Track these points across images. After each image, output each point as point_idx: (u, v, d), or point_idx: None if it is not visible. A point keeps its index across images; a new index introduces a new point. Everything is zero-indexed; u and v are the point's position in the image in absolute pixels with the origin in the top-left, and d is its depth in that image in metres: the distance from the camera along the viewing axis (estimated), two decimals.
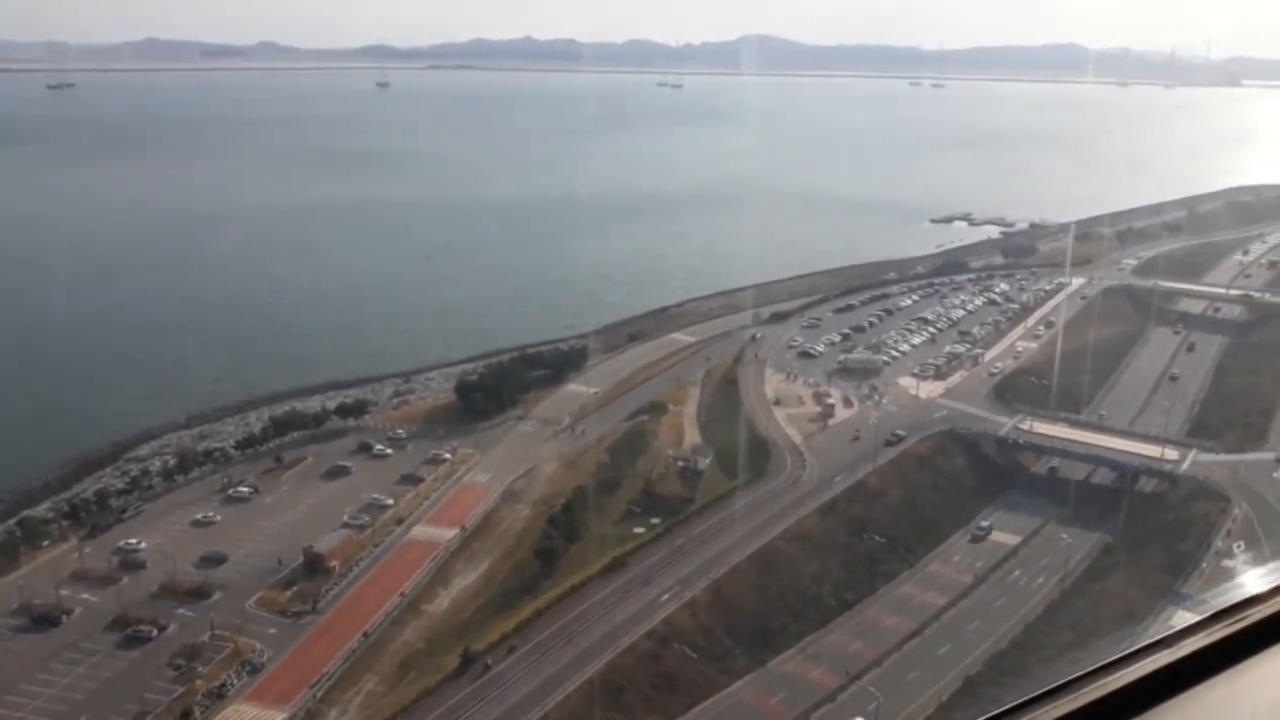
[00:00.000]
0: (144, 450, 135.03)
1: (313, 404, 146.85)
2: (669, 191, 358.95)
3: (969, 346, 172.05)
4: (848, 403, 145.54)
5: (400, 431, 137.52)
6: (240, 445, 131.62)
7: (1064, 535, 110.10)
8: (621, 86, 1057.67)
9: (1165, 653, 5.49)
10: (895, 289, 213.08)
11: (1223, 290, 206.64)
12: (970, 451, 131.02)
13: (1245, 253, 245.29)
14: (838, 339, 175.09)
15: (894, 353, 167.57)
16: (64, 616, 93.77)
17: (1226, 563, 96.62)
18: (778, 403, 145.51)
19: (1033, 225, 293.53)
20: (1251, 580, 6.22)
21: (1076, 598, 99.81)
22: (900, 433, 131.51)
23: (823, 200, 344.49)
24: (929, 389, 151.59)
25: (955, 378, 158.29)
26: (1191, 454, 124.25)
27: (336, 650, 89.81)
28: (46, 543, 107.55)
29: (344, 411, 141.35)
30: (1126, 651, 5.46)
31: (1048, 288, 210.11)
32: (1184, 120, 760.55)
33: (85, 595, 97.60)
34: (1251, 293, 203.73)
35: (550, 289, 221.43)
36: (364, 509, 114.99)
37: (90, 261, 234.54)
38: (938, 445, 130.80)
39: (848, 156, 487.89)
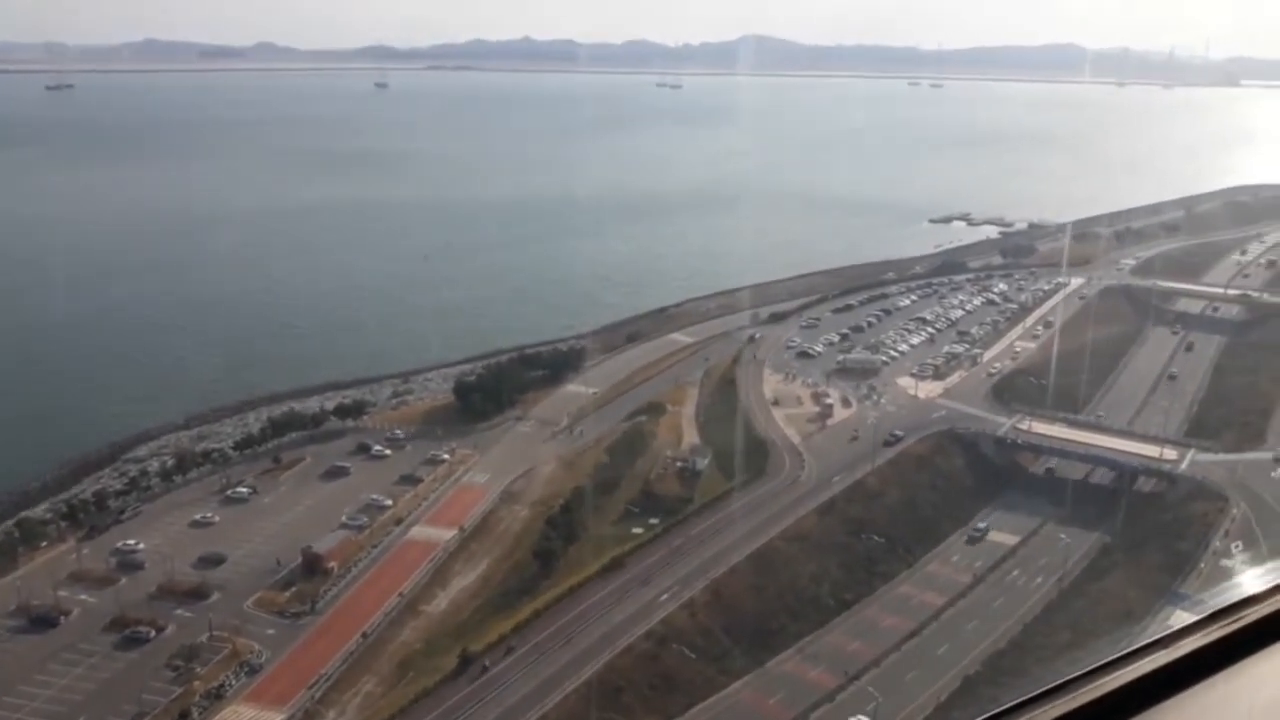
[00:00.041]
0: (142, 451, 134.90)
1: (311, 405, 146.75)
2: (667, 192, 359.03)
3: (968, 346, 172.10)
4: (846, 403, 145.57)
5: (398, 432, 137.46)
6: (238, 446, 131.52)
7: (1062, 535, 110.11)
8: (620, 87, 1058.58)
9: (1162, 653, 5.47)
10: (894, 289, 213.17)
11: (1221, 290, 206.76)
12: (969, 451, 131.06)
13: (1243, 253, 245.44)
14: (836, 339, 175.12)
15: (892, 353, 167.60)
16: (62, 617, 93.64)
17: (1225, 562, 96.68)
18: (776, 403, 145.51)
19: (1031, 225, 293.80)
20: (1249, 580, 6.20)
21: (1075, 598, 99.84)
22: (898, 433, 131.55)
23: (821, 200, 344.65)
24: (927, 389, 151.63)
25: (954, 378, 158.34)
26: (1190, 454, 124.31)
27: (335, 651, 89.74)
28: (44, 544, 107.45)
29: (342, 412, 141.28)
30: (1124, 652, 5.43)
31: (1046, 288, 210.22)
32: (1182, 120, 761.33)
33: (83, 596, 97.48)
34: (1250, 292, 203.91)
35: (548, 289, 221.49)
36: (362, 509, 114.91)
37: (89, 262, 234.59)
38: (936, 445, 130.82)
39: (846, 156, 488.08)
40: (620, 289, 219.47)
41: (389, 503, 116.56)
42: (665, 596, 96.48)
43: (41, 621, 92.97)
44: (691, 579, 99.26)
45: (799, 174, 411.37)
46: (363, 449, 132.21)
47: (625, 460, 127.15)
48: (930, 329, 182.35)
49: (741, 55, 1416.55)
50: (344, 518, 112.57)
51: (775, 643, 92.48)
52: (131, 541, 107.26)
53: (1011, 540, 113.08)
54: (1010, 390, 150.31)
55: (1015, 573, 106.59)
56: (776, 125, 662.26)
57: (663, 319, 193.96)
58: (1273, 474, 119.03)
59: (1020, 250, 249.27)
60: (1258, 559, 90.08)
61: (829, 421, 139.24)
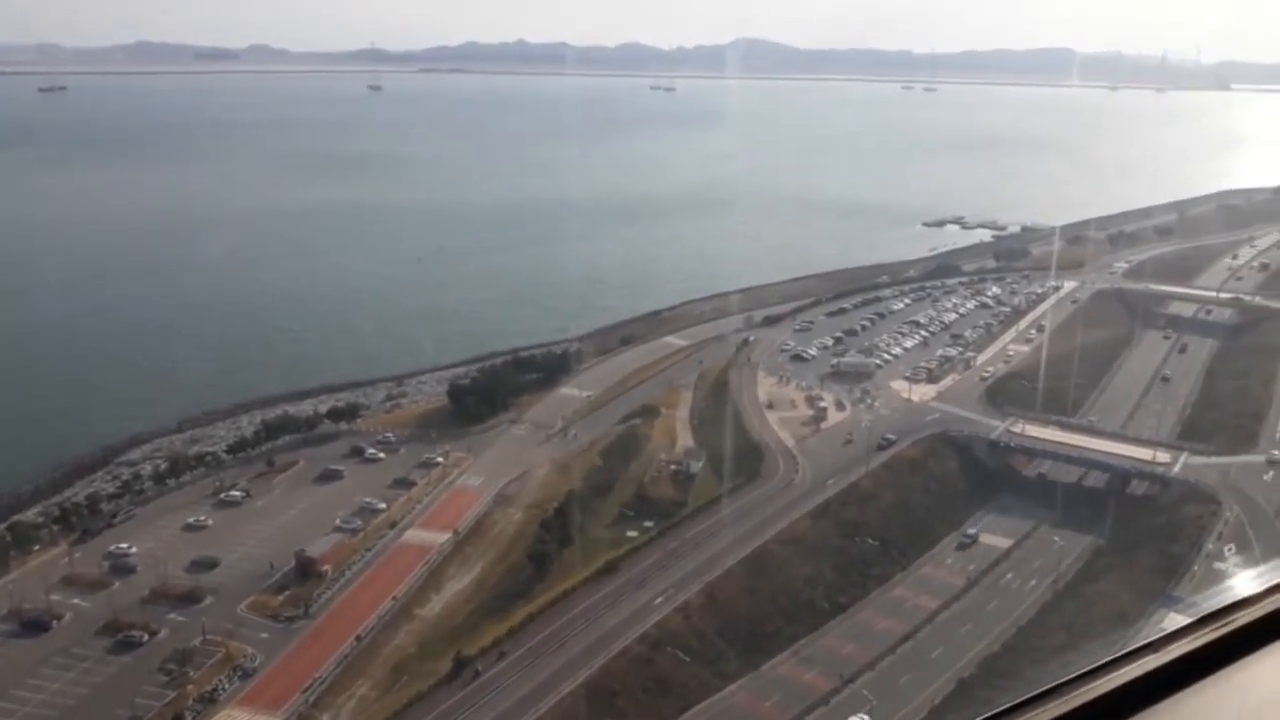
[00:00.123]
0: (135, 454, 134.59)
1: (305, 408, 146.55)
2: (661, 195, 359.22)
3: (961, 350, 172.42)
4: (840, 406, 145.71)
5: (390, 435, 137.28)
6: (232, 449, 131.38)
7: (1056, 538, 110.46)
8: (614, 90, 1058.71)
9: (1153, 656, 5.50)
10: (887, 292, 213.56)
11: (1213, 293, 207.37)
12: (962, 454, 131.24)
13: (1235, 257, 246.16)
14: (830, 342, 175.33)
15: (886, 356, 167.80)
16: (54, 621, 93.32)
17: (1218, 565, 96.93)
18: (770, 406, 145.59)
19: (1024, 229, 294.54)
20: (1241, 583, 6.24)
21: (1069, 600, 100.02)
22: (890, 437, 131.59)
23: (815, 203, 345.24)
24: (921, 392, 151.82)
25: (947, 381, 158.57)
26: (1183, 457, 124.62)
27: (329, 655, 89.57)
28: (37, 547, 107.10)
29: (336, 415, 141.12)
30: (1115, 655, 5.46)
31: (1039, 291, 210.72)
32: (1174, 124, 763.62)
33: (76, 600, 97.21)
34: (1242, 296, 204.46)
35: (543, 292, 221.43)
36: (356, 513, 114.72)
37: (82, 265, 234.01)
38: (930, 448, 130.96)
39: (840, 160, 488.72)
40: (614, 292, 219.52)
41: (383, 506, 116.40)
42: (660, 600, 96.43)
43: (34, 626, 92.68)
44: (686, 582, 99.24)
45: (793, 177, 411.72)
46: (356, 452, 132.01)
47: (619, 463, 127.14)
48: (924, 332, 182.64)
49: (735, 58, 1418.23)
50: (338, 521, 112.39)
51: (770, 646, 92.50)
52: (124, 545, 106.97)
53: (1005, 543, 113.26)
54: (1003, 393, 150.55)
55: (1009, 576, 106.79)
56: (770, 129, 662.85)
57: (657, 322, 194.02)
58: (1265, 477, 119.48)
59: (1013, 254, 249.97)
60: (1250, 561, 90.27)
61: (823, 425, 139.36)
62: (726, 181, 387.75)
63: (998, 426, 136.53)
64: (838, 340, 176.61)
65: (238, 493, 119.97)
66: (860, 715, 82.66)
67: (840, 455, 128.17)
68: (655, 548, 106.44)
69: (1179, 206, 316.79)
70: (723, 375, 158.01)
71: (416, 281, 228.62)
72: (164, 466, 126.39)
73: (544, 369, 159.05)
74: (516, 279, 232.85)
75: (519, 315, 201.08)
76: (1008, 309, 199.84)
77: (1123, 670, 5.39)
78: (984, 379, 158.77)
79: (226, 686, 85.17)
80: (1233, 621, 5.79)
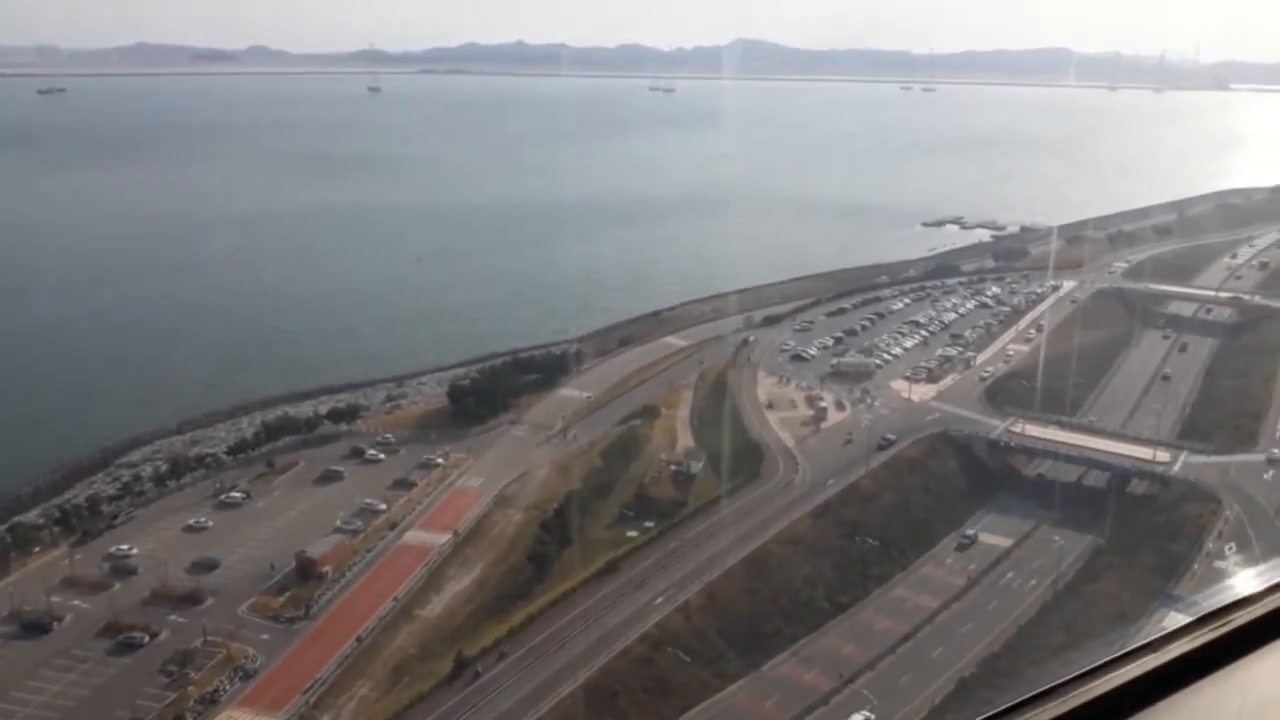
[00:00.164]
0: (135, 456, 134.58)
1: (305, 409, 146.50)
2: (661, 195, 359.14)
3: (961, 349, 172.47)
4: (840, 406, 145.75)
5: (390, 436, 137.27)
6: (232, 450, 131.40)
7: (1056, 537, 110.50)
8: (613, 91, 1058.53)
9: (1152, 656, 5.53)
10: (887, 292, 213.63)
11: (1212, 293, 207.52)
12: (962, 454, 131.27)
13: (1234, 256, 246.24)
14: (830, 342, 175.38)
15: (886, 356, 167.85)
16: (55, 623, 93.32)
17: (1218, 564, 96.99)
18: (770, 406, 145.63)
19: (1024, 229, 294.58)
20: (1240, 582, 6.27)
21: (1069, 600, 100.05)
22: (890, 437, 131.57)
23: (815, 204, 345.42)
24: (921, 392, 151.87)
25: (947, 381, 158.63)
26: (1182, 456, 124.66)
27: (329, 656, 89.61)
28: (37, 549, 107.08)
29: (336, 416, 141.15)
30: (1114, 655, 5.49)
31: (1039, 291, 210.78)
32: (1173, 124, 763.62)
33: (76, 602, 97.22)
34: (1241, 295, 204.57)
35: (542, 293, 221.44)
36: (356, 514, 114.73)
37: (82, 266, 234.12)
38: (930, 448, 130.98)
39: (839, 160, 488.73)
40: (614, 292, 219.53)
41: (383, 507, 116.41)
42: (660, 600, 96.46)
43: (34, 627, 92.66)
44: (686, 582, 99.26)
45: (792, 178, 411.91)
46: (356, 453, 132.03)
47: (619, 464, 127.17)
48: (923, 332, 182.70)
49: (734, 59, 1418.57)
50: (338, 522, 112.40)
51: (770, 646, 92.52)
52: (125, 546, 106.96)
53: (1005, 543, 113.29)
54: (1003, 393, 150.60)
55: (1009, 575, 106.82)
56: (769, 129, 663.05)
57: (656, 322, 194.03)
58: (1265, 476, 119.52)
59: (1013, 254, 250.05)
60: (1251, 560, 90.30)
61: (823, 425, 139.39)
62: (725, 182, 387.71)
63: (998, 426, 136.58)
64: (838, 340, 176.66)
65: (238, 494, 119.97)
66: (863, 713, 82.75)
67: (840, 455, 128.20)
68: (655, 548, 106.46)
69: (1178, 206, 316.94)
70: (723, 375, 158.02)
71: (416, 282, 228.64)
72: (164, 468, 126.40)
73: (544, 370, 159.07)
74: (516, 280, 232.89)
75: (519, 316, 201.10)
76: (1007, 309, 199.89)
77: (1122, 670, 5.42)
78: (984, 379, 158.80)
79: (227, 688, 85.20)
80: (1232, 621, 5.82)
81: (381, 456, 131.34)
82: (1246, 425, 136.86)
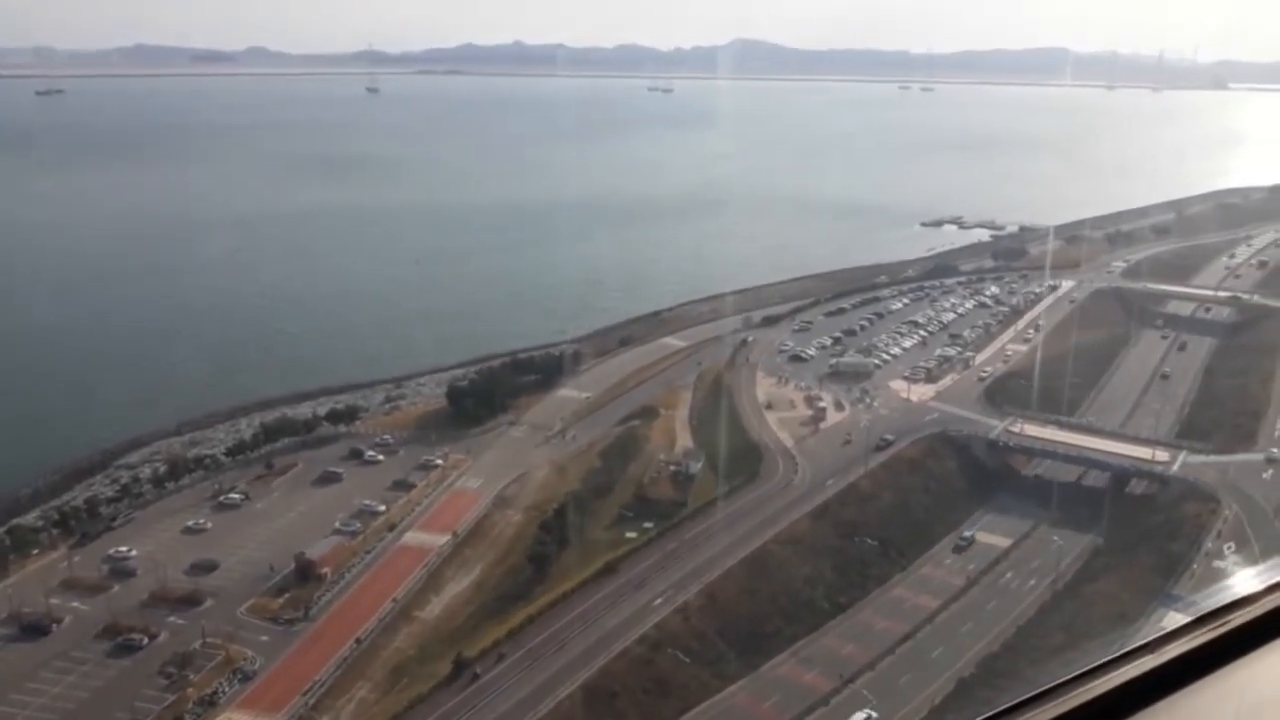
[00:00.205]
0: (134, 457, 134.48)
1: (303, 410, 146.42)
2: (660, 196, 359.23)
3: (960, 349, 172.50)
4: (839, 406, 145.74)
5: (387, 437, 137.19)
6: (231, 452, 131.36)
7: (1055, 537, 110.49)
8: (612, 91, 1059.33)
9: (1150, 657, 5.51)
10: (886, 292, 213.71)
11: (1211, 292, 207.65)
12: (961, 454, 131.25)
13: (1231, 256, 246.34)
14: (829, 342, 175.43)
15: (885, 356, 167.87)
16: (54, 625, 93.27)
17: (1217, 563, 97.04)
18: (769, 406, 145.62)
19: (1022, 228, 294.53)
20: (1238, 582, 6.26)
21: (1068, 600, 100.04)
22: (889, 437, 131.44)
23: (813, 204, 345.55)
24: (920, 392, 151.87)
25: (946, 380, 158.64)
26: (1181, 455, 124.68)
27: (328, 657, 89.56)
28: (36, 551, 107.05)
29: (335, 417, 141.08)
30: (1112, 656, 5.47)
31: (1038, 290, 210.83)
32: (1171, 123, 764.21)
33: (75, 604, 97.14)
34: (1240, 294, 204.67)
35: (541, 293, 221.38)
36: (355, 515, 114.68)
37: (80, 267, 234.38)
38: (929, 448, 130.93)
39: (838, 160, 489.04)
40: (613, 293, 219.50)
41: (382, 508, 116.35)
42: (659, 601, 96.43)
43: (33, 629, 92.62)
44: (685, 583, 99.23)
45: (791, 178, 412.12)
46: (355, 454, 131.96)
47: (619, 464, 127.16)
48: (922, 332, 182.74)
49: (733, 59, 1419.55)
50: (337, 523, 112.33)
51: (770, 646, 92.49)
52: (124, 548, 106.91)
53: (1004, 543, 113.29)
54: (1002, 393, 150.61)
55: (1008, 575, 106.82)
56: (768, 129, 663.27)
57: (655, 323, 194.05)
58: (1263, 475, 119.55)
59: (1011, 253, 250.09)
60: (1250, 560, 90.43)
61: (822, 425, 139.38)
62: (724, 182, 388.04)
63: (996, 426, 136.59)
64: (836, 340, 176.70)
65: (237, 495, 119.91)
66: (866, 710, 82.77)
67: (839, 455, 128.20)
68: (655, 549, 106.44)
69: (1176, 205, 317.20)
70: (722, 376, 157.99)
71: (414, 283, 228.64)
72: (163, 469, 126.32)
73: (543, 370, 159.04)
74: (515, 280, 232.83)
75: (517, 316, 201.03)
76: (1006, 309, 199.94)
77: (1120, 671, 5.41)
78: (982, 379, 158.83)
79: (226, 689, 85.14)
80: (1230, 621, 5.81)
81: (380, 458, 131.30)
82: (1245, 425, 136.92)
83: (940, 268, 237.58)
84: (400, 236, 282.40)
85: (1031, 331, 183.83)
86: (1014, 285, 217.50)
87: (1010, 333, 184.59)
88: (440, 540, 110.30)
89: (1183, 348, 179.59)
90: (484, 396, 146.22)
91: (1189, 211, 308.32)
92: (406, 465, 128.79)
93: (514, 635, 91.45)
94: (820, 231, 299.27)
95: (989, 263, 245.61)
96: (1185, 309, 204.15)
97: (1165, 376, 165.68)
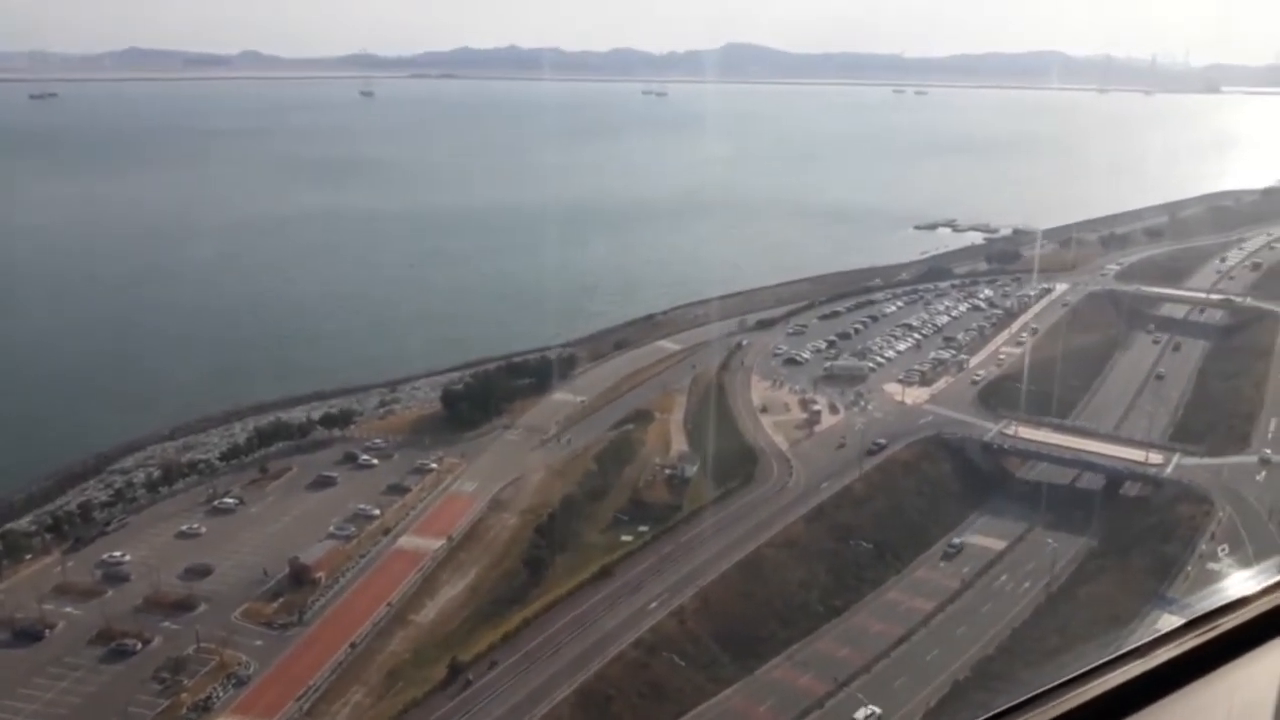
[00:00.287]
0: (128, 462, 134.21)
1: (297, 414, 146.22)
2: (655, 199, 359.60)
3: (954, 352, 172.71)
4: (834, 409, 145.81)
5: (379, 441, 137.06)
6: (225, 456, 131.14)
7: (1049, 540, 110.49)
8: (606, 95, 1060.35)
9: (1140, 661, 5.51)
10: (880, 295, 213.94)
11: (1204, 295, 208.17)
12: (956, 457, 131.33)
13: (1223, 259, 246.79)
14: (823, 345, 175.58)
15: (879, 359, 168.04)
16: (47, 630, 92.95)
17: (1212, 565, 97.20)
18: (764, 410, 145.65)
19: (1016, 231, 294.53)
20: (1232, 584, 6.26)
21: (1063, 602, 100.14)
22: (880, 441, 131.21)
23: (807, 207, 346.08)
24: (914, 395, 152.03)
25: (940, 383, 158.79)
26: (1175, 458, 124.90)
27: (323, 662, 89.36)
28: (29, 556, 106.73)
29: (329, 422, 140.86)
30: (1103, 660, 5.47)
31: (1031, 293, 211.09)
32: (1164, 126, 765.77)
33: (69, 609, 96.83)
34: (1232, 297, 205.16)
35: (536, 297, 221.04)
36: (350, 519, 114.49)
37: (72, 271, 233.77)
38: (923, 451, 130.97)
39: (831, 164, 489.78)
40: (608, 296, 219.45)
41: (376, 512, 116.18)
42: (655, 604, 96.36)
43: (26, 635, 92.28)
44: (681, 586, 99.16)
45: (784, 181, 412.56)
46: (350, 458, 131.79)
47: (614, 468, 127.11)
48: (916, 335, 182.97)
49: (727, 63, 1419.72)
50: (331, 528, 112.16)
51: (765, 650, 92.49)
52: (117, 553, 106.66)
53: (998, 545, 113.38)
54: (996, 395, 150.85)
55: (1003, 578, 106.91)
56: (762, 132, 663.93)
57: (650, 326, 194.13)
58: (1257, 477, 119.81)
59: (1005, 256, 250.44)
60: (1244, 562, 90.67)
61: (816, 428, 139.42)
62: (719, 186, 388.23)
63: (991, 429, 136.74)
64: (831, 343, 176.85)
65: (231, 500, 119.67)
66: (870, 708, 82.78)
67: (834, 458, 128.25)
68: (650, 552, 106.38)
69: (1169, 208, 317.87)
70: (716, 379, 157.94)
71: (409, 286, 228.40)
72: (157, 474, 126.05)
73: (538, 374, 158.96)
74: (509, 284, 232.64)
75: (512, 320, 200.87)
76: (1000, 311, 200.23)
77: (1114, 674, 5.40)
78: (976, 381, 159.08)
79: (220, 694, 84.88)
80: (1222, 624, 5.81)
81: (375, 462, 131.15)
82: (1238, 427, 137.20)
83: (934, 271, 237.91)
84: (395, 240, 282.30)
85: (1025, 334, 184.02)
86: (1008, 288, 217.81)
87: (1004, 336, 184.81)
88: (435, 544, 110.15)
89: (1177, 348, 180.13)
90: (479, 400, 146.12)
91: (1182, 214, 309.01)
92: (401, 469, 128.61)
93: (509, 639, 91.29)
94: (814, 234, 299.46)
95: (983, 266, 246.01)
96: (1179, 311, 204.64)
97: (1160, 377, 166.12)
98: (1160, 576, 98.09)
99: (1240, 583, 6.25)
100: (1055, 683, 5.36)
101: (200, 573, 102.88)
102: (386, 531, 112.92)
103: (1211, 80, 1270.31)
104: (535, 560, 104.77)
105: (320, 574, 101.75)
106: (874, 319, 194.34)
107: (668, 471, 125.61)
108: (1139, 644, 5.59)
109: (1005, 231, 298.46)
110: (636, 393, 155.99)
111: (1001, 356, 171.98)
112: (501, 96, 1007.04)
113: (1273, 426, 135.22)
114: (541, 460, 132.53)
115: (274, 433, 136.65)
